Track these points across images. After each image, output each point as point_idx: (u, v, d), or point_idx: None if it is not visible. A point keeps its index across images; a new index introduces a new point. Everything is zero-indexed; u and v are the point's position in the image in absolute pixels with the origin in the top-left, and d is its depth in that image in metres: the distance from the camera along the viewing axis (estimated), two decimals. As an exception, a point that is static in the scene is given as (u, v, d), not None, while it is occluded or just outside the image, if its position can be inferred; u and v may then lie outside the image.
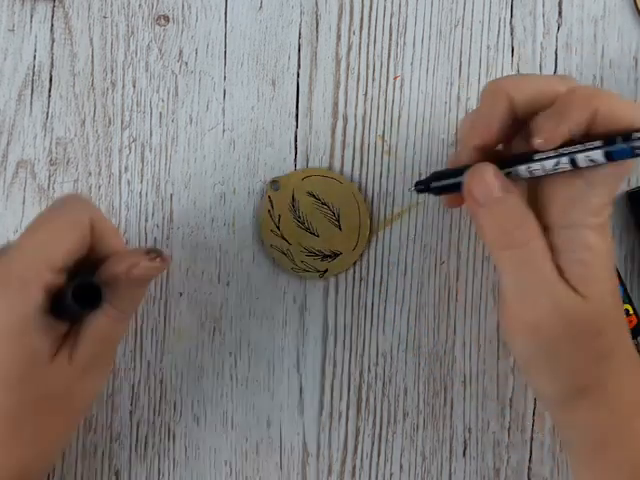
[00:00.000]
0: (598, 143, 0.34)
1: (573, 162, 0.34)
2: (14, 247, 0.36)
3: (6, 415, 0.35)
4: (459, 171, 0.37)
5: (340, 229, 0.46)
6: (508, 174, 0.36)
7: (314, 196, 0.46)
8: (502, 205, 0.36)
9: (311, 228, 0.46)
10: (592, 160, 0.34)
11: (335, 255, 0.46)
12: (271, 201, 0.46)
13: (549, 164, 0.35)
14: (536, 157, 0.35)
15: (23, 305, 0.35)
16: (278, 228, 0.46)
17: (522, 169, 0.36)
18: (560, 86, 0.35)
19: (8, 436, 0.36)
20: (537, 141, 0.35)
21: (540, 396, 0.43)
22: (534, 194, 0.38)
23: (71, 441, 0.45)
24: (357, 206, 0.46)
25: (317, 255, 0.46)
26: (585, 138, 0.34)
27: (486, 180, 0.35)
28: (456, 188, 0.37)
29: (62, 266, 0.36)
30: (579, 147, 0.34)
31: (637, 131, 0.33)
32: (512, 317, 0.38)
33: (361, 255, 0.47)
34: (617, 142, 0.33)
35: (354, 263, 0.47)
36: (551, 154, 0.35)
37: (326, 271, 0.46)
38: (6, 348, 0.35)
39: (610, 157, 0.34)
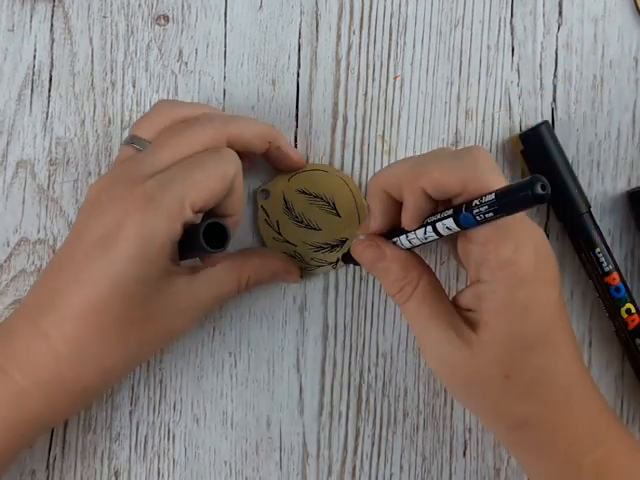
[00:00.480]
0: (449, 212, 0.36)
1: (436, 231, 0.37)
2: (167, 176, 0.38)
3: (120, 323, 0.38)
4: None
5: (339, 216, 0.46)
6: (395, 242, 0.40)
7: (305, 192, 0.46)
8: (379, 271, 0.40)
9: (311, 224, 0.46)
10: (449, 228, 0.37)
11: (342, 242, 0.46)
12: (265, 210, 0.46)
13: (420, 234, 0.38)
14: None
15: (164, 233, 0.38)
16: (280, 234, 0.46)
17: (403, 239, 0.40)
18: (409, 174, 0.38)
19: (115, 341, 0.39)
20: (403, 223, 0.39)
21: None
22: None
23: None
24: (349, 189, 0.46)
25: (325, 248, 0.46)
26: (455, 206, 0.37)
27: (359, 253, 0.41)
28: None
29: (200, 208, 0.39)
30: (437, 217, 0.37)
31: (476, 199, 0.35)
32: (426, 364, 0.42)
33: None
34: (462, 212, 0.35)
35: None
36: (421, 225, 0.38)
37: (337, 261, 0.46)
38: (138, 267, 0.37)
39: (460, 225, 0.36)
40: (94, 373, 0.39)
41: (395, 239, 0.40)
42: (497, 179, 0.36)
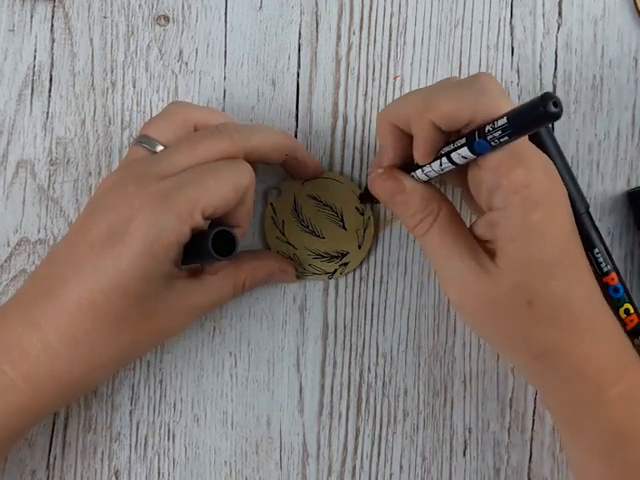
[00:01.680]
0: (463, 141, 0.36)
1: (451, 161, 0.37)
2: (181, 179, 0.38)
3: (117, 319, 0.38)
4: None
5: (345, 229, 0.46)
6: (414, 176, 0.40)
7: (316, 198, 0.46)
8: (404, 202, 0.40)
9: (316, 231, 0.46)
10: (464, 157, 0.36)
11: (342, 255, 0.46)
12: (273, 208, 0.46)
13: (436, 166, 0.38)
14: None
15: (172, 234, 0.37)
16: (283, 234, 0.46)
17: (419, 173, 0.39)
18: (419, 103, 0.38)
19: (109, 336, 0.39)
20: (416, 158, 0.39)
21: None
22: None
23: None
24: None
25: (324, 257, 0.46)
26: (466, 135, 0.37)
27: (378, 186, 0.41)
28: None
29: (211, 214, 0.39)
30: (450, 147, 0.37)
31: (489, 124, 0.34)
32: (444, 294, 0.41)
33: (369, 253, 0.47)
34: (475, 138, 0.35)
35: (361, 262, 0.47)
36: (436, 157, 0.38)
37: (334, 272, 0.46)
38: (143, 265, 0.37)
39: (475, 152, 0.36)
40: (85, 367, 0.39)
41: (411, 174, 0.40)
42: (507, 104, 0.36)
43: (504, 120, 0.33)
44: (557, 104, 0.30)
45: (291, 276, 0.46)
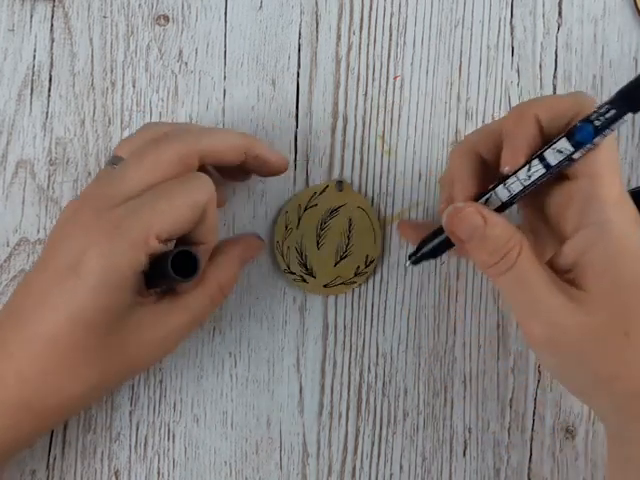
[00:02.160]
0: (564, 141, 0.34)
1: (543, 161, 0.34)
2: (133, 205, 0.37)
3: (81, 350, 0.37)
4: (440, 229, 0.39)
5: (335, 265, 0.46)
6: (487, 201, 0.37)
7: (351, 225, 0.46)
8: (485, 237, 0.36)
9: (320, 240, 0.46)
10: (560, 151, 0.34)
11: (310, 274, 0.46)
12: (324, 190, 0.46)
13: (522, 174, 0.35)
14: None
15: (127, 264, 0.37)
16: (305, 210, 0.46)
17: (499, 190, 0.36)
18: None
19: (76, 368, 0.38)
20: (504, 170, 0.35)
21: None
22: (542, 217, 0.38)
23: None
24: (365, 264, 0.46)
25: (301, 258, 0.46)
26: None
27: (457, 223, 0.37)
28: (446, 244, 0.39)
29: (167, 238, 0.38)
30: (544, 148, 0.35)
31: (594, 114, 0.33)
32: (524, 333, 0.37)
33: (323, 295, 0.47)
34: (577, 125, 0.33)
35: (312, 290, 0.47)
36: (529, 160, 0.35)
37: (292, 274, 0.46)
38: (100, 297, 0.36)
39: (575, 141, 0.33)
40: (57, 398, 0.38)
41: (487, 196, 0.37)
42: None
43: (613, 97, 0.31)
44: None
45: (259, 246, 0.45)
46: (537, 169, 0.34)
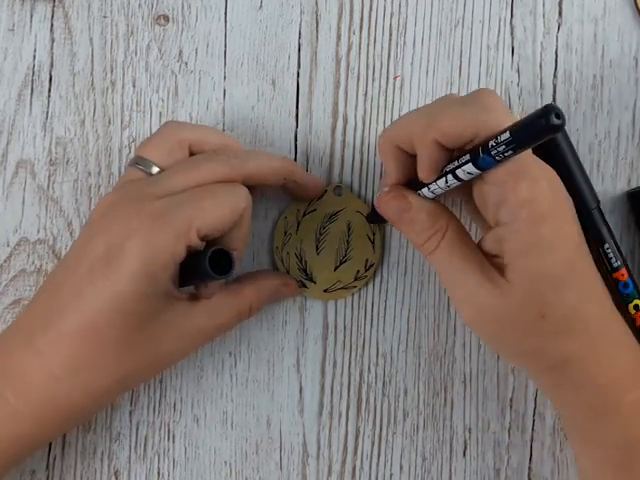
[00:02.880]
0: (467, 157, 0.36)
1: (457, 177, 0.37)
2: (177, 198, 0.38)
3: (119, 343, 0.38)
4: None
5: (334, 270, 0.46)
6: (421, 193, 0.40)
7: (349, 230, 0.46)
8: (412, 220, 0.40)
9: (320, 244, 0.46)
10: (470, 173, 0.36)
11: (310, 279, 0.46)
12: (323, 195, 0.46)
13: (441, 183, 0.38)
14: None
15: (168, 252, 0.37)
16: (303, 215, 0.46)
17: (425, 191, 0.39)
18: (421, 121, 0.38)
19: (111, 362, 0.39)
20: (420, 177, 0.39)
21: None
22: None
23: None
24: (364, 267, 0.46)
25: (300, 263, 0.46)
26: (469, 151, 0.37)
27: (384, 205, 0.41)
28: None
29: (206, 234, 0.38)
30: (455, 164, 0.37)
31: (491, 140, 0.34)
32: (457, 311, 0.41)
33: (323, 300, 0.47)
34: (480, 154, 0.35)
35: (308, 296, 0.47)
36: (440, 175, 0.38)
37: (302, 283, 0.46)
38: (141, 285, 0.37)
39: (480, 168, 0.36)
40: (85, 394, 0.39)
41: (418, 192, 0.40)
42: (509, 119, 0.36)
43: (507, 135, 0.33)
44: (559, 116, 0.30)
45: (294, 289, 0.46)
46: (453, 182, 0.38)
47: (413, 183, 0.40)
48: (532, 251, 0.37)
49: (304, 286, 0.46)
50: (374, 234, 0.46)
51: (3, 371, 0.38)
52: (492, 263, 0.39)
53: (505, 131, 0.33)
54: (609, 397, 0.39)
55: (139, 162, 0.41)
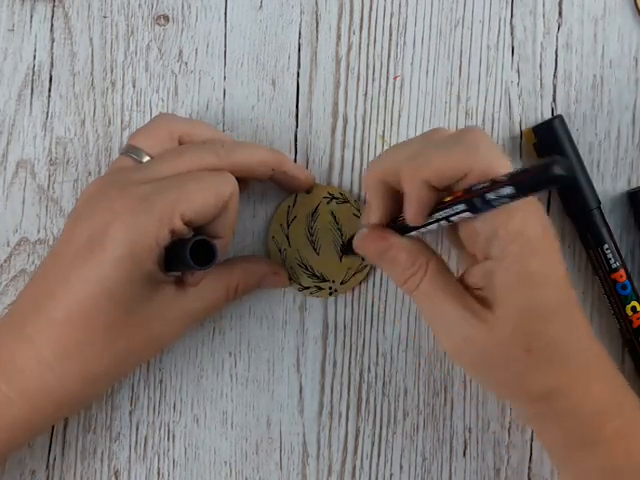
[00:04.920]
0: (462, 207, 0.35)
1: (449, 220, 0.37)
2: (161, 183, 0.38)
3: (108, 327, 0.38)
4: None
5: (340, 260, 0.46)
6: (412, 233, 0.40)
7: (335, 218, 0.46)
8: (392, 260, 0.39)
9: (316, 245, 0.46)
10: (462, 217, 0.36)
11: (323, 279, 0.46)
12: (295, 200, 0.46)
13: (433, 227, 0.38)
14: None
15: (152, 236, 0.37)
16: (288, 226, 0.46)
17: (414, 234, 0.39)
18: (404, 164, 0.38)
19: (102, 346, 0.39)
20: (408, 219, 0.38)
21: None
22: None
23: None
24: None
25: (307, 270, 0.46)
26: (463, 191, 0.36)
27: (364, 247, 0.40)
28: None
29: (190, 220, 0.38)
30: (449, 212, 0.36)
31: (486, 190, 0.34)
32: (438, 343, 0.42)
33: (345, 291, 0.47)
34: (477, 205, 0.34)
35: (331, 293, 0.47)
36: (431, 220, 0.37)
37: (307, 288, 0.46)
38: (126, 268, 0.37)
39: (476, 213, 0.35)
40: (79, 380, 0.39)
41: (408, 234, 0.39)
42: (499, 157, 0.36)
43: (509, 190, 0.32)
44: (564, 168, 0.29)
45: (283, 280, 0.46)
46: (443, 223, 0.37)
47: (398, 224, 0.40)
48: (522, 286, 0.37)
49: (320, 289, 0.46)
50: (359, 210, 0.46)
51: None
52: (475, 296, 0.38)
53: (507, 185, 0.32)
54: (591, 427, 0.39)
55: (130, 150, 0.42)
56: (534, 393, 0.39)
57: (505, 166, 0.36)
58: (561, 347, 0.38)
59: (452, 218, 0.36)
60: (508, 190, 0.32)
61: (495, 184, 0.33)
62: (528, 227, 0.37)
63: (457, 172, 0.36)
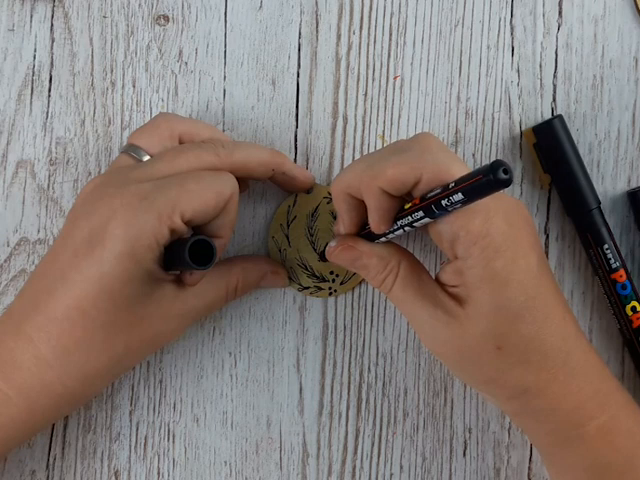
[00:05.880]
0: (421, 214, 0.37)
1: (413, 226, 0.38)
2: (161, 181, 0.38)
3: (107, 325, 0.38)
4: None
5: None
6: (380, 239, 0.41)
7: (335, 217, 0.46)
8: (365, 266, 0.41)
9: (316, 244, 0.46)
10: (424, 223, 0.37)
11: (322, 279, 0.46)
12: (296, 200, 0.46)
13: (399, 233, 0.39)
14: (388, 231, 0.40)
15: (152, 234, 0.37)
16: (288, 226, 0.46)
17: (382, 240, 0.40)
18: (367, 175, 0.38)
19: (101, 344, 0.39)
20: (372, 229, 0.39)
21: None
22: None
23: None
24: None
25: (307, 270, 0.46)
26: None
27: (335, 258, 0.42)
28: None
29: (190, 218, 0.38)
30: (409, 219, 0.38)
31: (442, 197, 0.35)
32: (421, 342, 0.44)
33: (345, 291, 0.47)
34: (434, 211, 0.36)
35: (331, 293, 0.47)
36: (396, 227, 0.39)
37: (307, 288, 0.46)
38: (125, 266, 0.37)
39: (434, 218, 0.37)
40: (78, 378, 0.39)
41: (377, 240, 0.41)
42: (448, 158, 0.37)
43: (460, 196, 0.33)
44: (507, 171, 0.31)
45: (283, 279, 0.46)
46: (407, 229, 0.38)
47: (368, 232, 0.41)
48: (487, 286, 0.37)
49: (319, 289, 0.46)
50: None
51: None
52: (452, 293, 0.39)
53: (457, 192, 0.33)
54: (572, 425, 0.39)
55: (130, 149, 0.42)
56: (509, 391, 0.39)
57: (457, 169, 0.36)
58: (533, 346, 0.38)
59: (415, 224, 0.37)
60: (459, 196, 0.33)
61: (445, 191, 0.34)
62: (491, 227, 0.37)
63: (409, 178, 0.37)
